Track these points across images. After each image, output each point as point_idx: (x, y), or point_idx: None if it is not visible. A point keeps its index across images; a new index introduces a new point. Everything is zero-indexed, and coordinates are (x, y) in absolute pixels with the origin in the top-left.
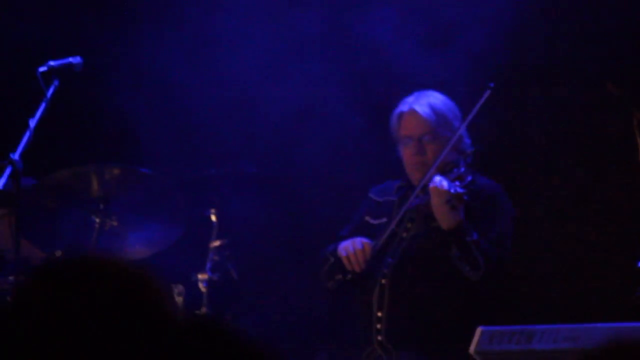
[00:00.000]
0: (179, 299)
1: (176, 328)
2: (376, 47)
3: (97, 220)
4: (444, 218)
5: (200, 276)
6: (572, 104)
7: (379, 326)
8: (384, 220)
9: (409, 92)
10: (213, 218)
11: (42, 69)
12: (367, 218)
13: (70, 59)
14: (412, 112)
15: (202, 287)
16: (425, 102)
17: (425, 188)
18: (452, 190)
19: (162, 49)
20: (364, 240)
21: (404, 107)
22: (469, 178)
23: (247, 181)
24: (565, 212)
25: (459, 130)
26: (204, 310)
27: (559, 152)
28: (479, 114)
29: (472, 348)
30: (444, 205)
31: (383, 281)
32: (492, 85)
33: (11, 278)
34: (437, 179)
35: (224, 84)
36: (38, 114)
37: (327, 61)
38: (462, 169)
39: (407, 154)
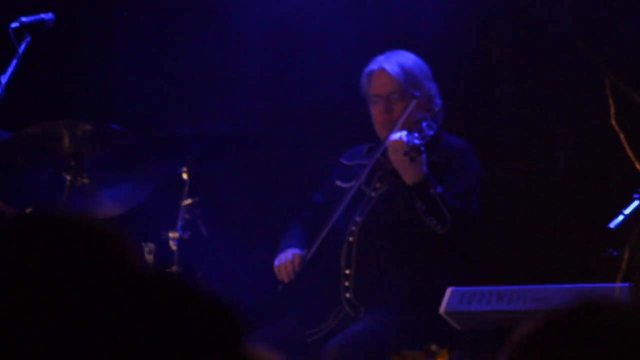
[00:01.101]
0: (150, 257)
1: (143, 286)
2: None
3: (68, 177)
4: (405, 172)
5: (171, 234)
6: (544, 65)
7: (347, 284)
8: (354, 183)
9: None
10: (184, 176)
11: (14, 25)
12: (338, 182)
13: (42, 15)
14: (382, 70)
15: (172, 245)
16: (395, 61)
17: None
18: (409, 143)
19: (134, 4)
20: (296, 251)
21: (374, 65)
22: (430, 132)
23: (219, 140)
24: (534, 172)
25: (424, 89)
26: (174, 268)
27: (528, 112)
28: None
29: (442, 308)
30: (403, 158)
31: (350, 239)
32: (417, 94)
33: None
34: (396, 134)
35: (198, 42)
36: (10, 70)
37: (307, 20)
38: (424, 123)
39: (375, 112)
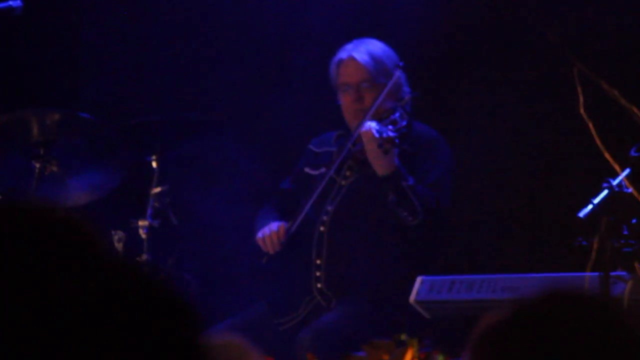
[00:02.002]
0: (119, 245)
1: (108, 274)
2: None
3: (37, 165)
4: (378, 164)
5: (140, 222)
6: (512, 55)
7: (318, 274)
8: (323, 170)
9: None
10: (154, 164)
11: None
12: (306, 169)
13: (11, 2)
14: (351, 59)
15: (142, 233)
16: (364, 49)
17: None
18: (383, 135)
19: None
20: (279, 223)
21: (342, 54)
22: (404, 123)
23: (189, 127)
24: (503, 161)
25: (394, 78)
26: (144, 257)
27: (497, 100)
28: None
29: (412, 297)
30: (376, 150)
31: (322, 229)
32: (401, 64)
33: None
34: (368, 124)
35: (165, 28)
36: None
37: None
38: (397, 114)
39: (345, 101)
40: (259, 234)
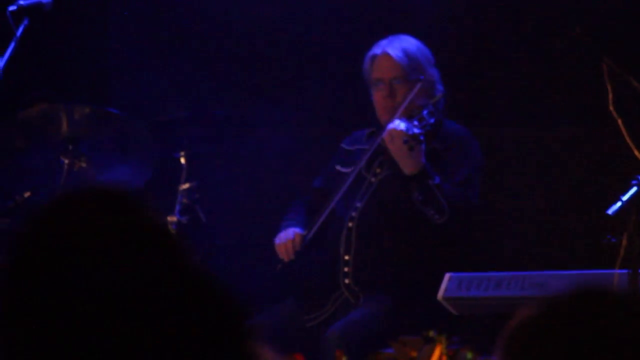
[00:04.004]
0: None
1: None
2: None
3: (66, 161)
4: (404, 161)
5: (169, 219)
6: (541, 51)
7: (346, 269)
8: (354, 168)
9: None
10: (182, 160)
11: (12, 7)
12: (338, 167)
13: None
14: (385, 55)
15: (170, 229)
16: (399, 46)
17: None
18: (409, 132)
19: None
20: (297, 230)
21: (377, 49)
22: (432, 120)
23: (217, 124)
24: (533, 158)
25: (427, 75)
26: None
27: (526, 98)
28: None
29: (440, 294)
30: (402, 147)
31: (350, 225)
32: (422, 78)
33: None
34: (396, 122)
35: (196, 24)
36: (7, 53)
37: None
38: (425, 112)
39: (378, 96)
40: (276, 240)
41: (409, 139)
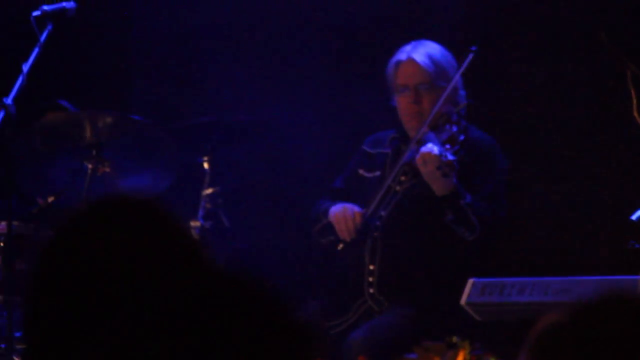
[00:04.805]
0: None
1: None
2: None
3: (90, 166)
4: (436, 185)
5: (192, 223)
6: (564, 57)
7: (370, 279)
8: (377, 173)
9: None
10: (205, 165)
11: (36, 13)
12: (360, 171)
13: (64, 4)
14: (410, 60)
15: (194, 234)
16: (423, 52)
17: (420, 142)
18: (442, 158)
19: None
20: (355, 208)
21: (401, 55)
22: (462, 138)
23: (240, 128)
24: (558, 164)
25: (453, 81)
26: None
27: (549, 105)
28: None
29: (463, 299)
30: (435, 171)
31: (375, 234)
32: (474, 48)
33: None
34: (429, 145)
35: (218, 30)
36: (31, 58)
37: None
38: (455, 128)
39: (403, 102)
40: (334, 219)
41: (443, 166)
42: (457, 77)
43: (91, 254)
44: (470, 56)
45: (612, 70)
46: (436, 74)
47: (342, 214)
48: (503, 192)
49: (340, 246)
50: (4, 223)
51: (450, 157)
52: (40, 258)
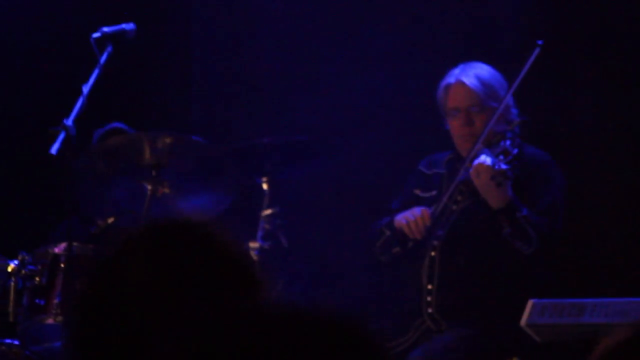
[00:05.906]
0: None
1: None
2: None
3: (149, 187)
4: (491, 196)
5: (251, 244)
6: (626, 73)
7: (429, 299)
8: (434, 193)
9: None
10: (264, 186)
11: (96, 35)
12: (417, 191)
13: (124, 26)
14: (459, 83)
15: (253, 255)
16: (472, 73)
17: (474, 159)
18: (495, 167)
19: (214, 16)
20: (422, 208)
21: (450, 78)
22: (515, 151)
23: (299, 149)
24: (616, 183)
25: (506, 98)
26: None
27: (609, 119)
28: (528, 75)
29: (523, 321)
30: (489, 182)
31: (433, 253)
32: (540, 42)
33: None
34: (482, 157)
35: (276, 52)
36: (91, 80)
37: (377, 31)
38: (508, 142)
39: (455, 125)
40: (403, 221)
41: (497, 175)
42: (512, 91)
43: (145, 277)
44: (537, 50)
45: None
46: (486, 95)
47: (411, 213)
48: (561, 207)
49: (410, 244)
50: (64, 244)
51: (503, 166)
52: (93, 279)
